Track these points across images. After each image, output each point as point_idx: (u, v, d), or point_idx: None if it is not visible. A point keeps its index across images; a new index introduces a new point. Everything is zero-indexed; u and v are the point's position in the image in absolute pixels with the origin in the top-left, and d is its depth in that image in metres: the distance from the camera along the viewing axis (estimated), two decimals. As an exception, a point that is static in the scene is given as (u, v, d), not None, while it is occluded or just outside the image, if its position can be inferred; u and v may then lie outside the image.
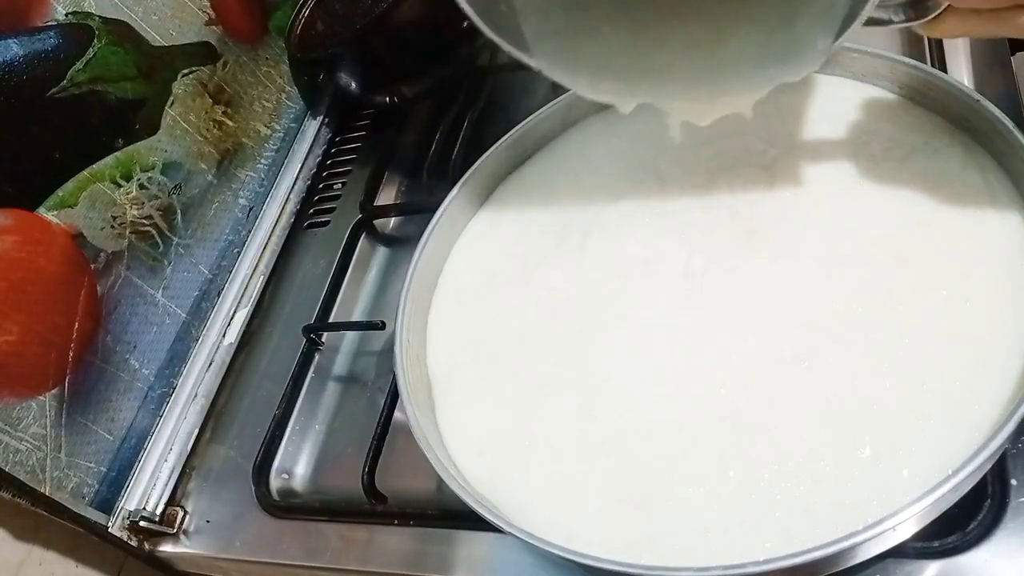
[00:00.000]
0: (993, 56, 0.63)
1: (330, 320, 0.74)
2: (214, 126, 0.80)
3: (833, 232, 0.51)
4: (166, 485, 0.69)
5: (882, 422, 0.43)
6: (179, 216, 0.76)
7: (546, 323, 0.56)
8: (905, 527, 0.40)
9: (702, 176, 0.58)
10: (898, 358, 0.45)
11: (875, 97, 0.57)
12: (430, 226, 0.61)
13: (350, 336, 0.74)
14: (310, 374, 0.72)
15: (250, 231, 0.84)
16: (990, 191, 0.49)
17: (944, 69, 0.64)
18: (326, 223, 0.84)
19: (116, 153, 0.70)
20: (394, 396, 0.63)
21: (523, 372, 0.54)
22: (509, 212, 0.64)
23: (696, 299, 0.52)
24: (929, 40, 0.66)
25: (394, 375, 0.55)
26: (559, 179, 0.64)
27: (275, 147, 0.89)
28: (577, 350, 0.53)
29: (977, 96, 0.50)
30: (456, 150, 0.81)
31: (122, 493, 0.68)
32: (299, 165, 0.90)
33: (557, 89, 0.80)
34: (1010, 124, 0.48)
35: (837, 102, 0.57)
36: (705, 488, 0.44)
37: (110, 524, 0.66)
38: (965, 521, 0.45)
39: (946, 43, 0.65)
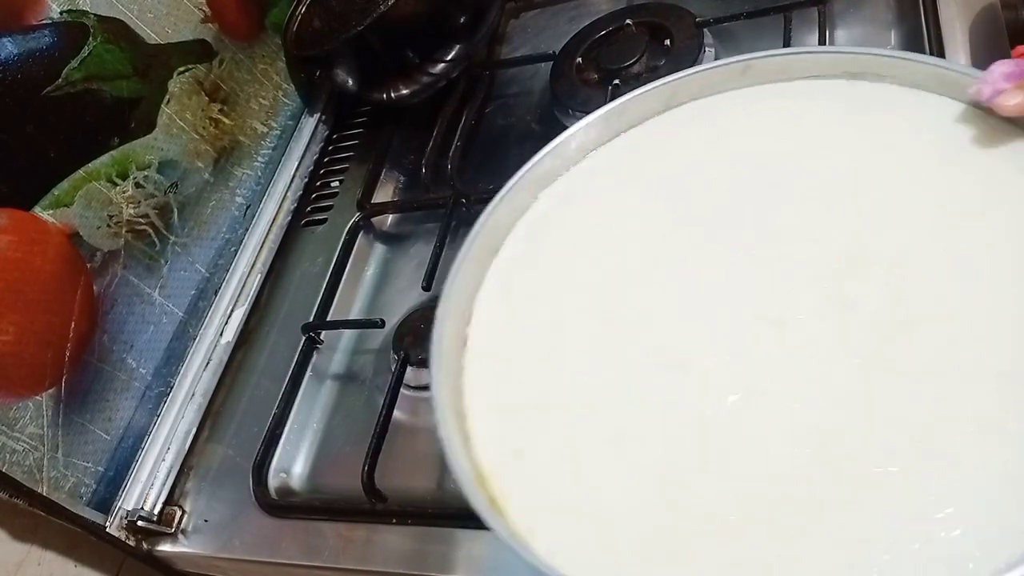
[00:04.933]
0: (993, 49, 0.63)
1: (328, 318, 0.74)
2: (210, 124, 0.80)
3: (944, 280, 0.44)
4: (164, 484, 0.69)
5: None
6: (176, 215, 0.76)
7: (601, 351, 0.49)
8: None
9: (801, 202, 0.50)
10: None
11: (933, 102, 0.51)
12: (507, 186, 0.56)
13: (348, 334, 0.73)
14: (308, 372, 0.72)
15: (247, 229, 0.84)
16: None
17: (943, 56, 0.63)
18: (323, 221, 0.84)
19: (112, 152, 0.69)
20: (393, 394, 0.63)
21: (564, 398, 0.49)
22: (579, 198, 0.57)
23: (775, 348, 0.45)
24: (928, 30, 0.66)
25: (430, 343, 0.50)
26: (644, 166, 0.57)
27: (272, 145, 0.88)
28: (627, 393, 0.47)
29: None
30: (454, 146, 0.81)
31: (120, 493, 0.68)
32: (296, 163, 0.89)
33: (555, 85, 0.80)
34: None
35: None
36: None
37: (108, 524, 0.66)
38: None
39: (945, 35, 0.65)
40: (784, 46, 0.70)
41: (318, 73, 0.86)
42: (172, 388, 0.74)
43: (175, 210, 0.76)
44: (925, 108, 0.50)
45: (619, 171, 0.58)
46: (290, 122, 0.91)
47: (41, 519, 0.62)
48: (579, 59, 0.80)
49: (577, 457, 0.46)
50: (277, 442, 0.68)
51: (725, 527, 0.41)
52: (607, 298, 0.52)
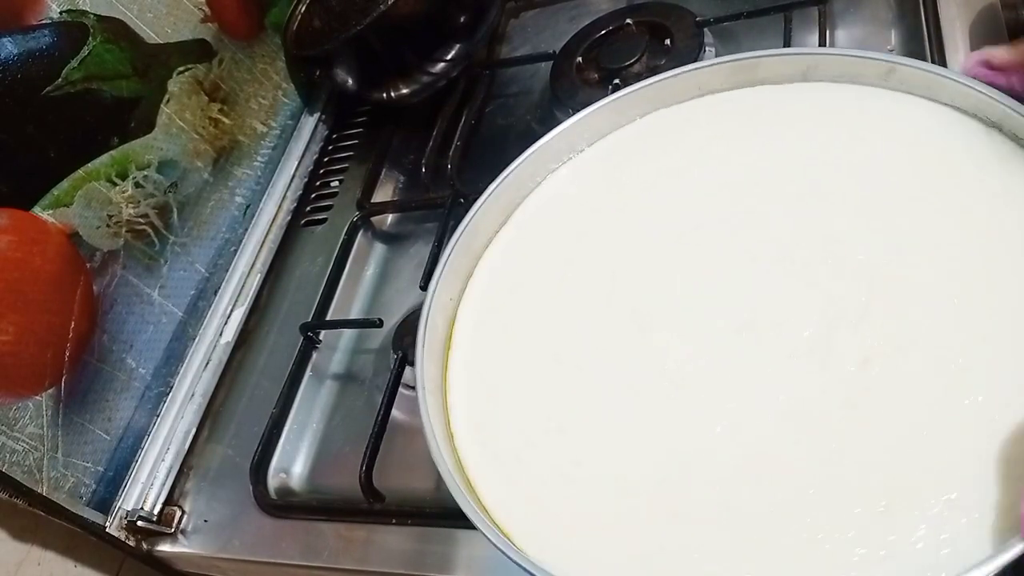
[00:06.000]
0: (991, 44, 0.63)
1: (327, 318, 0.74)
2: (210, 124, 0.80)
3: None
4: (163, 485, 0.69)
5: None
6: (175, 214, 0.76)
7: (581, 348, 0.51)
8: None
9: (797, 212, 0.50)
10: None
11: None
12: (499, 179, 0.58)
13: (347, 334, 0.73)
14: (307, 372, 0.72)
15: (247, 229, 0.84)
16: None
17: (943, 57, 0.63)
18: (323, 221, 0.84)
19: (111, 151, 0.69)
20: (392, 394, 0.63)
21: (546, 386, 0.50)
22: (568, 196, 0.58)
23: (745, 359, 0.46)
24: (928, 30, 0.66)
25: (415, 335, 0.52)
26: (636, 166, 0.57)
27: (272, 144, 0.88)
28: (609, 389, 0.48)
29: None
30: (453, 146, 0.80)
31: (119, 493, 0.68)
32: (296, 162, 0.89)
33: (555, 84, 0.80)
34: None
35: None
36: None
37: (108, 524, 0.66)
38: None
39: (945, 35, 0.65)
40: (784, 46, 0.70)
41: (318, 73, 0.86)
42: (172, 388, 0.74)
43: (175, 210, 0.76)
44: (929, 120, 0.50)
45: (609, 171, 0.58)
46: (290, 122, 0.91)
47: (41, 519, 0.62)
48: (579, 59, 0.80)
49: (545, 445, 0.48)
50: (276, 442, 0.68)
51: (678, 524, 0.42)
52: (587, 294, 0.53)
